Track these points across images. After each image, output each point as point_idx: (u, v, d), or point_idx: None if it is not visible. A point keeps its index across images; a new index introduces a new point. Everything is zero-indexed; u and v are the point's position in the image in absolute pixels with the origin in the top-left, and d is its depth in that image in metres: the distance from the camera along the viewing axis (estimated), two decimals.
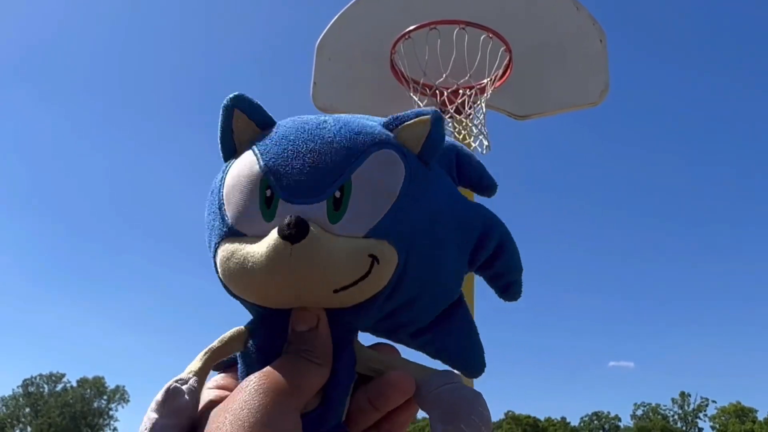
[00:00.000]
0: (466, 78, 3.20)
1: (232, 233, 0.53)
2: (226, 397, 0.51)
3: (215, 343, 0.57)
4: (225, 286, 0.55)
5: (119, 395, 62.55)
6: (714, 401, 52.67)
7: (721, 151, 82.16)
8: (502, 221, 0.61)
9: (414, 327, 0.58)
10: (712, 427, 50.98)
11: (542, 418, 55.56)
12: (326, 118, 0.55)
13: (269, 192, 0.51)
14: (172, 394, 0.53)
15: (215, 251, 0.55)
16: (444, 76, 3.22)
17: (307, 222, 0.48)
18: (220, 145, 0.58)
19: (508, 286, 0.63)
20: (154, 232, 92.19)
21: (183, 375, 0.55)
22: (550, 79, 3.41)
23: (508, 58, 3.26)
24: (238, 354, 0.57)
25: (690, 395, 53.26)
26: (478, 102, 3.25)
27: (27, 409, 60.69)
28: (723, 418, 49.87)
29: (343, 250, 0.48)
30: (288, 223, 0.48)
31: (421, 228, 0.52)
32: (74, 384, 62.59)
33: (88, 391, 62.09)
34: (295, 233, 0.47)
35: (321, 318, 0.53)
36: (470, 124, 3.24)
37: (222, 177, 0.56)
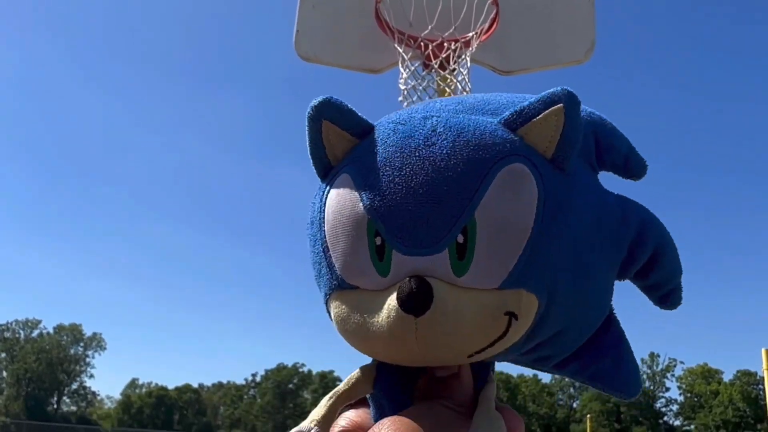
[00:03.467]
0: (452, 31, 3.16)
1: (344, 287, 0.47)
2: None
3: (341, 386, 0.52)
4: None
5: (96, 343, 62.73)
6: (682, 362, 53.95)
7: (703, 112, 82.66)
8: (658, 221, 0.53)
9: (559, 358, 0.53)
10: (679, 387, 52.30)
11: (515, 375, 56.73)
12: (434, 124, 0.46)
13: (379, 240, 0.45)
14: None
15: (326, 300, 0.51)
16: (429, 28, 3.18)
17: (430, 286, 0.42)
18: (312, 161, 0.51)
19: (667, 296, 0.57)
20: (134, 176, 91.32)
21: (305, 424, 0.50)
22: (536, 35, 3.38)
23: (494, 12, 3.22)
24: (367, 396, 0.53)
25: (659, 356, 54.47)
26: (463, 56, 3.22)
27: (3, 354, 60.69)
28: (690, 378, 51.17)
29: (474, 311, 0.42)
30: (409, 292, 0.42)
31: (564, 261, 0.45)
32: (51, 331, 62.59)
33: (65, 337, 62.19)
34: (419, 305, 0.42)
35: (462, 366, 0.49)
36: (454, 80, 3.21)
37: (321, 206, 0.49)
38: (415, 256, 0.43)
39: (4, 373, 60.66)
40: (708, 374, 50.32)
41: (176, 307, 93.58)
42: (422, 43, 3.24)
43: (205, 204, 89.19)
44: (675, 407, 53.53)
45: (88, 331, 63.89)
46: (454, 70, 3.21)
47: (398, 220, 0.43)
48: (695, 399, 50.18)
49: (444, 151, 0.43)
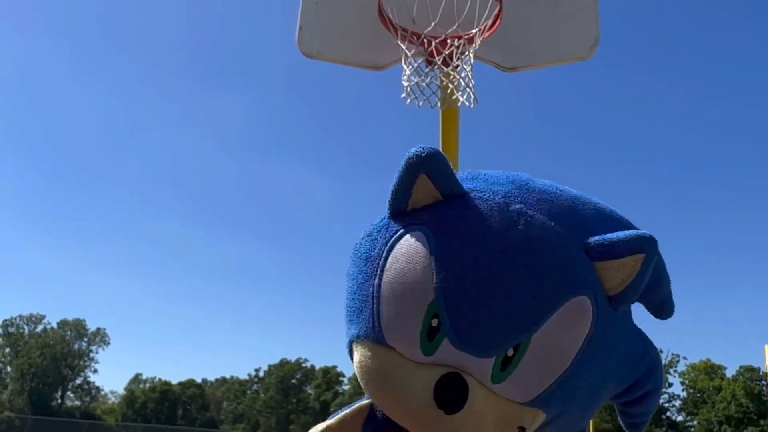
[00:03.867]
0: (455, 27, 3.15)
1: (381, 342, 0.48)
2: None
3: (333, 421, 0.54)
4: None
5: (100, 338, 62.85)
6: (685, 358, 53.87)
7: (708, 108, 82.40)
8: (661, 366, 0.56)
9: None
10: (682, 383, 52.22)
11: None
12: (528, 227, 0.46)
13: (436, 322, 0.45)
14: None
15: (351, 341, 0.51)
16: (432, 24, 3.17)
17: (467, 388, 0.43)
18: (390, 198, 0.51)
19: (635, 426, 0.59)
20: (137, 172, 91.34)
21: None
22: (540, 32, 3.37)
23: (498, 8, 3.21)
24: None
25: (662, 351, 54.43)
26: (466, 53, 3.21)
27: (7, 349, 60.84)
28: (693, 374, 51.09)
29: (496, 419, 0.45)
30: (449, 390, 0.43)
31: (584, 393, 0.48)
32: (54, 326, 62.73)
33: (69, 332, 62.30)
34: (452, 406, 0.44)
35: None
36: (457, 77, 3.20)
37: (385, 250, 0.49)
38: (465, 353, 0.44)
39: (9, 368, 60.83)
40: (711, 370, 50.23)
41: (179, 303, 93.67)
42: (425, 40, 3.23)
43: (208, 199, 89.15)
44: (678, 403, 53.46)
45: (91, 327, 64.03)
46: (458, 66, 3.20)
47: (463, 316, 0.44)
48: (698, 395, 50.10)
49: (527, 262, 0.44)
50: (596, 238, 0.47)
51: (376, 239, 0.50)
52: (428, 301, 0.45)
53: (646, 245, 0.46)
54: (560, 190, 0.52)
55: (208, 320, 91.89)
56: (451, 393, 0.43)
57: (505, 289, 0.43)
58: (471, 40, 3.21)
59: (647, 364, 0.54)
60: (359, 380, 0.50)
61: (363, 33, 3.39)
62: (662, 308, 0.58)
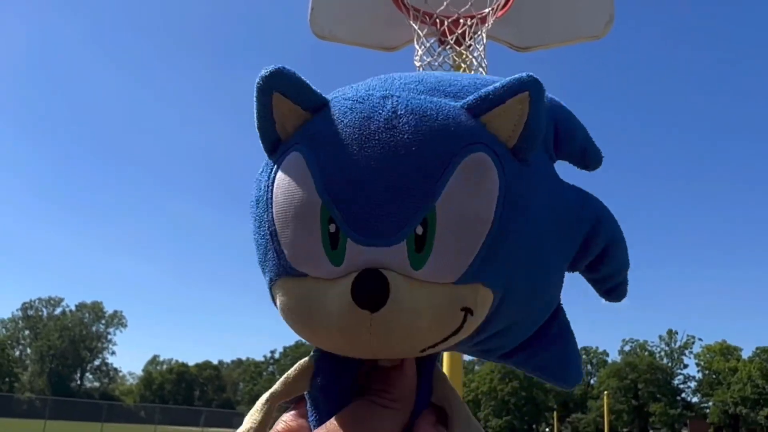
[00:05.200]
0: (467, 7, 3.13)
1: (292, 273, 0.45)
2: None
3: (277, 386, 0.51)
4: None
5: (117, 320, 63.58)
6: (700, 339, 53.74)
7: (717, 91, 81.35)
8: (612, 216, 0.52)
9: (506, 349, 0.52)
10: (697, 364, 52.15)
11: None
12: (395, 105, 0.43)
13: (333, 227, 0.42)
14: None
15: (271, 284, 0.48)
16: (445, 4, 3.15)
17: (386, 281, 0.40)
18: (259, 135, 0.48)
19: (613, 289, 0.56)
20: (154, 154, 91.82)
21: (242, 429, 0.49)
22: (553, 10, 3.33)
23: None
24: (305, 393, 0.51)
25: (677, 333, 54.27)
26: (479, 32, 3.19)
27: (26, 332, 61.72)
28: (708, 355, 50.97)
29: (430, 307, 0.41)
30: (366, 287, 0.40)
31: (521, 256, 0.44)
32: (73, 308, 63.52)
33: (87, 315, 63.06)
34: (374, 302, 0.40)
35: (407, 359, 0.47)
36: (470, 56, 3.18)
37: (268, 185, 0.46)
38: (372, 246, 0.41)
39: (29, 350, 61.76)
40: (726, 351, 50.08)
41: (196, 285, 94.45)
42: (438, 20, 3.21)
43: (224, 181, 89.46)
44: (693, 384, 53.47)
45: (109, 309, 64.81)
46: (470, 46, 3.18)
47: (355, 208, 0.41)
48: (713, 376, 50.03)
49: (405, 137, 0.41)
50: (473, 95, 0.44)
51: (260, 180, 0.48)
52: (318, 209, 0.41)
53: (528, 84, 0.43)
54: (429, 74, 0.49)
55: (225, 302, 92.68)
56: (369, 289, 0.40)
57: (387, 166, 0.40)
58: (484, 20, 3.18)
59: (591, 215, 0.50)
60: (288, 325, 0.47)
61: (375, 13, 3.38)
62: (586, 156, 0.55)
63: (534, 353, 0.52)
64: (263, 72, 0.45)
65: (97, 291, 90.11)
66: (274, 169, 0.46)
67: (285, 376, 0.51)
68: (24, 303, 62.83)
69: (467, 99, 0.44)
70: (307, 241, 0.43)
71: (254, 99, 0.46)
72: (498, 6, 3.18)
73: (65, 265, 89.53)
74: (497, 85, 0.43)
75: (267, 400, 0.50)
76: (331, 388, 0.48)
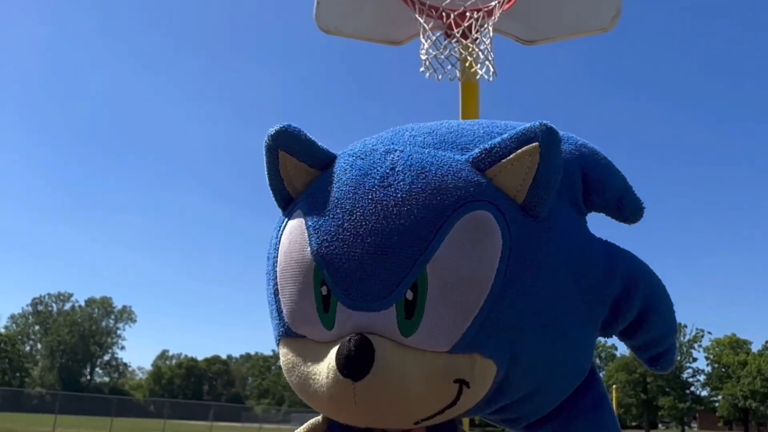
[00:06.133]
0: (473, 0, 3.11)
1: (291, 335, 0.45)
2: None
3: (302, 429, 0.50)
4: None
5: (126, 315, 63.87)
6: (709, 333, 53.53)
7: (728, 85, 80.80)
8: (650, 273, 0.47)
9: (530, 420, 0.49)
10: (707, 358, 51.96)
11: None
12: (395, 160, 0.41)
13: (325, 290, 0.41)
14: None
15: (277, 344, 0.48)
16: None
17: (371, 347, 0.38)
18: (271, 193, 0.48)
19: (655, 359, 0.50)
20: (165, 154, 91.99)
21: None
22: (560, 3, 3.31)
23: None
24: None
25: (686, 326, 54.09)
26: (485, 26, 3.16)
27: (36, 327, 62.04)
28: (717, 349, 50.76)
29: (420, 377, 0.38)
30: (347, 355, 0.38)
31: (529, 321, 0.40)
32: (82, 304, 63.80)
33: (96, 310, 63.33)
34: (356, 370, 0.38)
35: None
36: (476, 50, 3.16)
37: (276, 243, 0.46)
38: (361, 311, 0.39)
39: (39, 345, 62.10)
40: (736, 344, 49.87)
41: (205, 280, 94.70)
42: (444, 13, 3.18)
43: (234, 176, 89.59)
44: (702, 377, 53.30)
45: (118, 304, 65.07)
46: (477, 39, 3.15)
47: (344, 271, 0.39)
48: (723, 369, 49.83)
49: (399, 195, 0.39)
50: (479, 147, 0.42)
51: (272, 237, 0.47)
52: (311, 271, 0.41)
53: (538, 134, 0.39)
54: (444, 124, 0.46)
55: (234, 297, 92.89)
56: (353, 358, 0.38)
57: (378, 226, 0.38)
58: (490, 13, 3.16)
59: (623, 274, 0.46)
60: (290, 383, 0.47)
61: (380, 7, 3.36)
62: (622, 206, 0.50)
63: (563, 425, 0.48)
64: (270, 131, 0.44)
65: (106, 286, 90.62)
66: (282, 227, 0.46)
67: (309, 422, 0.50)
68: (34, 298, 63.22)
69: (473, 152, 0.41)
70: (302, 303, 0.42)
71: (264, 157, 0.46)
72: None
73: (75, 261, 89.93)
74: (505, 136, 0.40)
75: None
76: None
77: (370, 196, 0.40)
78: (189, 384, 63.15)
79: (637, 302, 0.46)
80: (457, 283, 0.37)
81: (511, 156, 0.40)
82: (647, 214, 0.50)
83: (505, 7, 3.19)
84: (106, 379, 64.43)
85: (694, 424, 55.53)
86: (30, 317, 61.86)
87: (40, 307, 62.46)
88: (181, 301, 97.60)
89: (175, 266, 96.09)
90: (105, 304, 63.20)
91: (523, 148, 0.39)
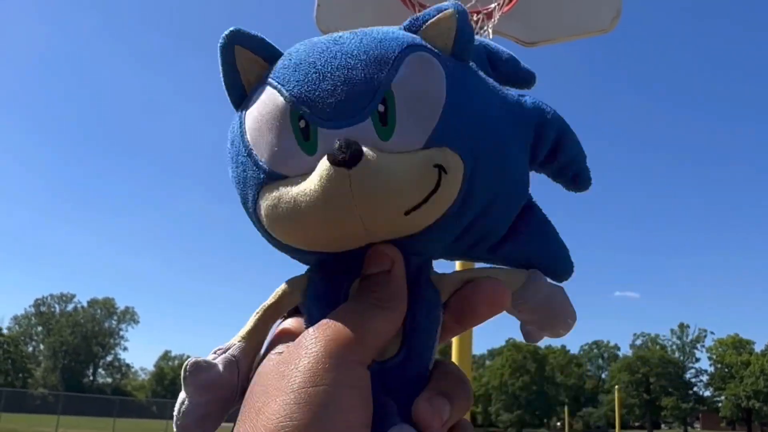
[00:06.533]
0: (473, 2, 3.11)
1: (272, 177, 0.46)
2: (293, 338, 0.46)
3: (269, 299, 0.51)
4: (274, 240, 0.49)
5: (129, 316, 64.01)
6: (712, 333, 53.56)
7: (725, 87, 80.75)
8: (553, 109, 0.54)
9: (491, 239, 0.52)
10: (709, 358, 51.97)
11: (542, 346, 56.71)
12: (340, 34, 0.48)
13: (303, 123, 0.44)
14: (190, 371, 0.47)
15: (255, 203, 0.48)
16: None
17: (358, 142, 0.41)
18: (226, 91, 0.50)
19: (576, 176, 0.56)
20: (167, 153, 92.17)
21: (228, 343, 0.49)
22: (560, 4, 3.31)
23: None
24: (300, 305, 0.51)
25: (689, 326, 54.10)
26: (485, 28, 3.17)
27: (39, 328, 62.21)
28: (720, 349, 50.77)
29: (405, 166, 0.43)
30: (338, 146, 0.41)
31: (480, 128, 0.46)
32: (85, 304, 63.95)
33: (99, 311, 63.50)
34: (349, 157, 0.41)
35: (396, 258, 0.47)
36: None
37: (240, 123, 0.48)
38: (340, 128, 0.43)
39: (41, 346, 62.25)
40: (739, 344, 49.87)
41: (208, 281, 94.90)
42: None
43: None
44: (705, 378, 53.30)
45: (121, 305, 65.20)
46: None
47: (320, 101, 0.43)
48: (726, 369, 49.83)
49: (353, 45, 0.45)
50: (408, 19, 0.49)
51: (233, 127, 0.50)
52: (287, 113, 0.44)
53: (450, 5, 0.47)
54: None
55: (236, 298, 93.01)
56: (344, 148, 0.41)
57: (341, 65, 0.44)
58: (490, 15, 3.17)
59: (534, 107, 0.52)
60: (272, 230, 0.48)
61: (381, 9, 3.37)
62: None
63: (518, 245, 0.53)
64: (224, 33, 0.49)
65: (108, 287, 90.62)
66: (243, 114, 0.48)
67: (277, 289, 0.51)
68: (36, 299, 63.42)
69: (403, 24, 0.48)
70: (281, 143, 0.45)
71: (219, 59, 0.49)
72: (504, 1, 3.17)
73: (77, 262, 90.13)
74: (427, 10, 0.48)
75: (257, 312, 0.51)
76: (324, 299, 0.48)
77: (327, 51, 0.45)
78: None
79: (552, 130, 0.52)
80: (418, 96, 0.43)
81: (432, 18, 0.47)
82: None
83: (505, 9, 3.20)
84: (109, 379, 64.56)
85: (697, 425, 55.58)
86: (33, 318, 62.01)
87: (43, 308, 62.62)
88: (184, 301, 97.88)
89: (177, 267, 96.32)
90: (107, 305, 63.34)
91: (442, 13, 0.47)
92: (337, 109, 0.43)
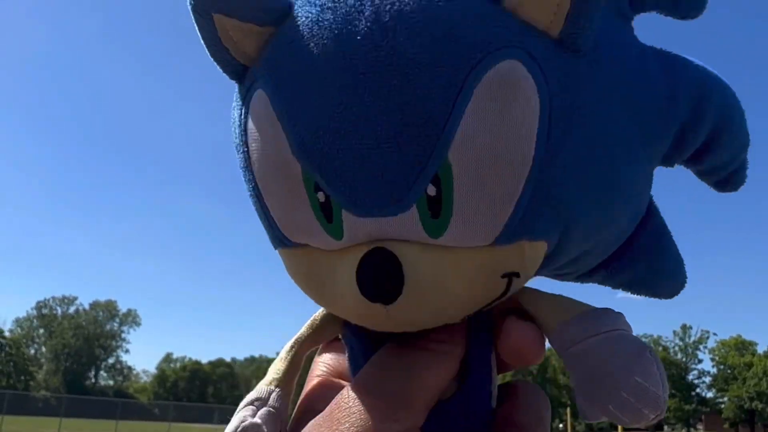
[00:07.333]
0: None
1: (290, 245, 0.36)
2: (332, 389, 0.40)
3: (303, 330, 0.44)
4: None
5: (131, 318, 63.96)
6: (715, 334, 53.38)
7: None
8: (720, 86, 0.38)
9: (584, 270, 0.41)
10: (712, 359, 51.82)
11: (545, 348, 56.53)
12: (378, 8, 0.28)
13: (322, 195, 0.31)
14: None
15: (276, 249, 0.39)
16: None
17: (398, 264, 0.30)
18: (217, 65, 0.37)
19: (727, 180, 0.43)
20: (169, 155, 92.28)
21: (262, 388, 0.42)
22: None
23: None
24: (341, 336, 0.43)
25: (691, 327, 53.96)
26: None
27: (41, 330, 62.19)
28: (723, 350, 50.64)
29: (460, 280, 0.31)
30: (372, 282, 0.31)
31: (582, 184, 0.31)
32: (86, 307, 63.94)
33: (101, 314, 63.48)
34: (385, 294, 0.31)
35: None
36: None
37: (241, 126, 0.35)
38: (373, 217, 0.30)
39: (43, 349, 62.24)
40: (742, 346, 49.74)
41: (209, 283, 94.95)
42: None
43: (240, 180, 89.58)
44: (708, 379, 53.15)
45: (123, 307, 65.19)
46: None
47: (341, 169, 0.29)
48: (728, 371, 49.70)
49: (394, 61, 0.27)
50: None
51: (233, 116, 0.36)
52: (299, 174, 0.31)
53: None
54: None
55: (238, 300, 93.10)
56: (380, 283, 0.30)
57: (374, 105, 0.27)
58: None
59: (689, 96, 0.36)
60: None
61: None
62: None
63: (618, 270, 0.41)
64: None
65: (111, 290, 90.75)
66: (243, 111, 0.35)
67: (312, 319, 0.43)
68: (38, 302, 63.35)
69: None
70: (297, 213, 0.33)
71: (194, 25, 0.35)
72: None
73: (79, 264, 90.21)
74: None
75: (292, 347, 0.43)
76: (367, 331, 0.38)
77: (355, 69, 0.28)
78: (193, 387, 63.26)
79: (707, 125, 0.37)
80: (490, 164, 0.28)
81: None
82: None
83: None
84: (111, 382, 64.52)
85: (700, 426, 55.39)
86: (35, 321, 61.97)
87: (45, 311, 62.57)
88: (186, 304, 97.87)
89: (179, 270, 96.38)
90: (110, 308, 63.31)
91: None
92: (368, 192, 0.30)
